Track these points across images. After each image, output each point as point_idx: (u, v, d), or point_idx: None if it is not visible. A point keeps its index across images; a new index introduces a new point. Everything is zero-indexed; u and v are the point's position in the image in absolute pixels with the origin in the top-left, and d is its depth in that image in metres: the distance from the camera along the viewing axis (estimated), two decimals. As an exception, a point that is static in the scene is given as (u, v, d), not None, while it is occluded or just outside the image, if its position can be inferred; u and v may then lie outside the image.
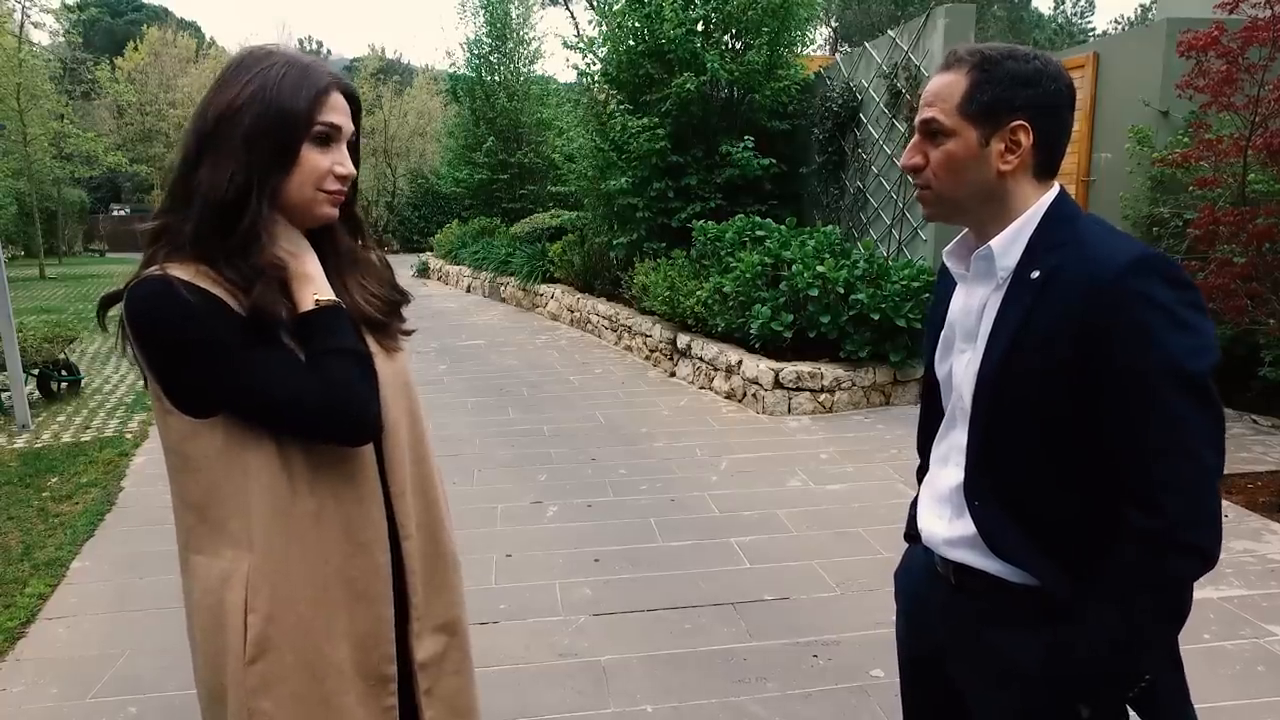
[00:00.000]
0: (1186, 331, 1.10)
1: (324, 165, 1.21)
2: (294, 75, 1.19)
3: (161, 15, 43.79)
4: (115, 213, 36.82)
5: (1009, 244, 1.23)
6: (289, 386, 1.16)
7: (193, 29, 42.98)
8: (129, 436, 5.74)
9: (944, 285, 1.41)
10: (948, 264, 1.35)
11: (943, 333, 1.36)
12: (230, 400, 1.16)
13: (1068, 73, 1.23)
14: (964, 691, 1.34)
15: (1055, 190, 1.24)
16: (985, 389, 1.23)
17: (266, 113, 1.16)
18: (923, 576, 1.40)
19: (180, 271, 1.14)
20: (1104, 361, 1.12)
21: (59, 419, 6.30)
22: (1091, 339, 1.12)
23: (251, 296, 1.15)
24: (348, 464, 1.24)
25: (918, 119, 1.25)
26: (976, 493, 1.26)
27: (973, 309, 1.28)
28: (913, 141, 1.26)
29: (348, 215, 1.32)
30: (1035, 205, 1.23)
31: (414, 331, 1.44)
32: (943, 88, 1.22)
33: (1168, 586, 1.13)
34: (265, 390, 1.15)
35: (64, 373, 7.08)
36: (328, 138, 1.21)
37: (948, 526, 1.31)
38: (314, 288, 1.22)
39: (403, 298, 1.41)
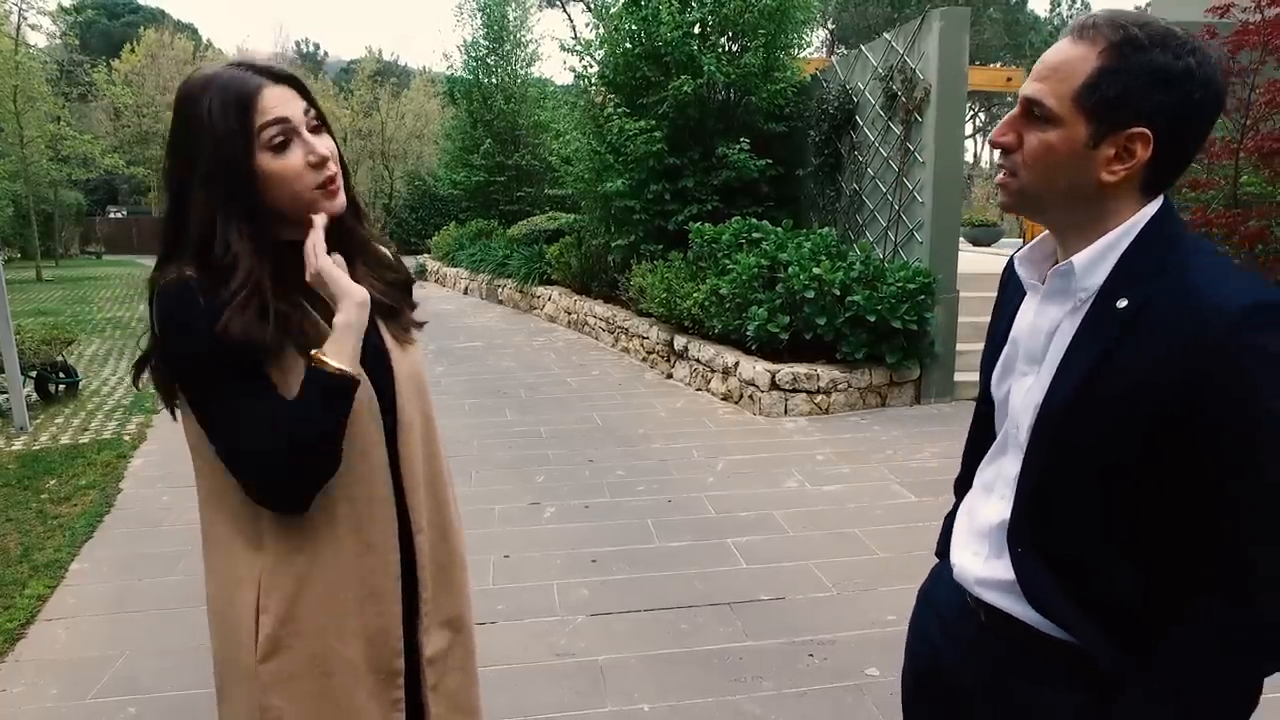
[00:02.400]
0: None
1: (296, 164, 1.17)
2: (219, 100, 1.14)
3: (158, 17, 43.76)
4: (112, 215, 36.80)
5: (1095, 262, 1.04)
6: (242, 432, 1.14)
7: (190, 31, 42.96)
8: (127, 439, 5.75)
9: (1009, 295, 1.24)
10: (1019, 271, 1.17)
11: (1005, 350, 1.19)
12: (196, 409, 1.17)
13: (1223, 74, 1.02)
14: None
15: (1158, 203, 1.04)
16: (1046, 425, 1.06)
17: (210, 150, 1.13)
18: (955, 604, 1.26)
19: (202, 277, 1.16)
20: (1202, 423, 0.95)
21: (57, 421, 6.31)
22: (1189, 395, 0.95)
23: (218, 322, 1.11)
24: (362, 463, 1.25)
25: (1022, 91, 1.05)
26: (1021, 538, 1.11)
27: (1041, 329, 1.11)
28: (1009, 115, 1.07)
29: (350, 197, 1.29)
30: (1131, 220, 1.03)
31: (425, 323, 1.44)
32: (1063, 63, 1.00)
33: (1241, 684, 0.99)
34: (220, 425, 1.16)
35: (62, 375, 7.08)
36: (284, 137, 1.16)
37: (983, 565, 1.17)
38: (339, 346, 1.17)
39: (408, 276, 1.41)
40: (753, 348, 6.49)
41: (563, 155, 10.90)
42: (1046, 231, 1.14)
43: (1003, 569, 1.14)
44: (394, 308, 1.36)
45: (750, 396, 6.29)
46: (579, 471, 4.93)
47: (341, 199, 1.23)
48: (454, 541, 1.44)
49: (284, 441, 1.12)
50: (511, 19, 16.80)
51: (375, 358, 1.30)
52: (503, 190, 16.60)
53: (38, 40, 29.61)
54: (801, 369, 6.15)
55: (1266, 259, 4.47)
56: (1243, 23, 4.11)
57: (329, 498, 1.23)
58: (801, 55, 9.40)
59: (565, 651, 2.95)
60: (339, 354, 1.16)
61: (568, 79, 11.84)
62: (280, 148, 1.16)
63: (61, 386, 7.07)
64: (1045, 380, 1.08)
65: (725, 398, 6.63)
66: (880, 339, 6.21)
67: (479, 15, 16.75)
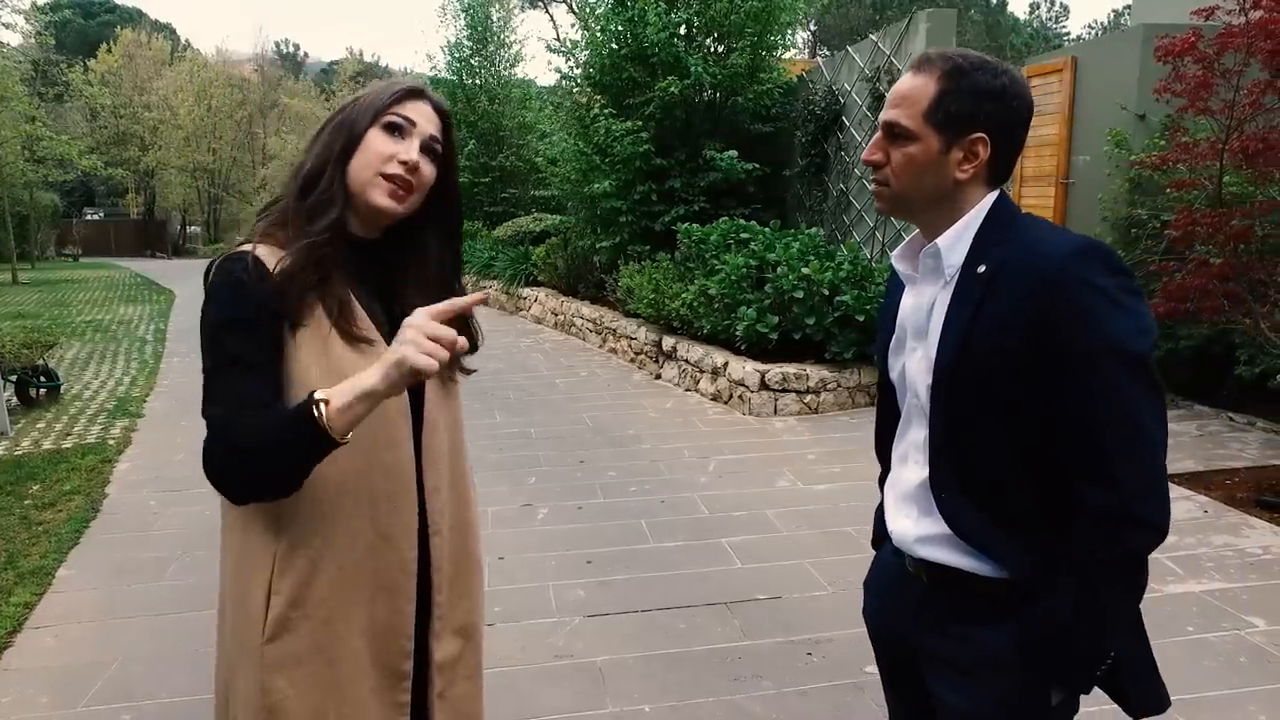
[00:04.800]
0: (1127, 313, 1.14)
1: (388, 149, 1.27)
2: (383, 86, 1.32)
3: (135, 17, 43.25)
4: (89, 217, 36.35)
5: (954, 242, 1.26)
6: (215, 405, 1.18)
7: (167, 31, 42.51)
8: (111, 443, 5.67)
9: (893, 289, 1.42)
10: (896, 266, 1.37)
11: (895, 334, 1.37)
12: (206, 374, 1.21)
13: (1030, 89, 1.26)
14: (933, 689, 1.35)
15: (996, 192, 1.28)
16: (941, 382, 1.24)
17: (352, 110, 1.30)
18: (894, 580, 1.41)
19: (264, 253, 1.23)
20: (1052, 345, 1.15)
21: (38, 426, 6.22)
22: (1039, 324, 1.16)
23: (280, 264, 1.20)
24: (386, 455, 1.27)
25: (882, 118, 1.27)
26: (941, 484, 1.27)
27: (922, 307, 1.30)
28: (875, 138, 1.28)
29: (448, 233, 1.40)
30: (979, 206, 1.26)
31: (474, 371, 1.48)
32: (910, 91, 1.24)
33: (1126, 560, 1.17)
34: (206, 388, 1.20)
35: (42, 379, 6.98)
36: (398, 128, 1.28)
37: (916, 525, 1.33)
38: (346, 402, 1.11)
39: (473, 340, 1.44)
40: (742, 348, 6.50)
41: (549, 156, 10.89)
42: (917, 231, 1.34)
43: (933, 523, 1.29)
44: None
45: (740, 396, 6.30)
46: (571, 473, 4.92)
47: (393, 203, 1.27)
48: (474, 547, 1.45)
49: (236, 457, 1.14)
50: (495, 20, 16.74)
51: None
52: (487, 191, 16.52)
53: (11, 39, 29.21)
54: (791, 369, 6.17)
55: (1249, 258, 4.53)
56: (1227, 25, 4.16)
57: (349, 486, 1.24)
58: (787, 57, 9.45)
59: (564, 653, 2.94)
60: (341, 410, 1.10)
61: (551, 80, 11.81)
62: (391, 133, 1.28)
63: (42, 390, 6.97)
64: (932, 347, 1.26)
65: (715, 398, 6.63)
66: (869, 338, 6.23)
67: (462, 16, 16.68)
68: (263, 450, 1.13)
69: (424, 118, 1.30)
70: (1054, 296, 1.15)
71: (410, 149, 1.28)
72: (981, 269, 1.22)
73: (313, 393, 1.10)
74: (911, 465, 1.33)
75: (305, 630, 1.24)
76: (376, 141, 1.26)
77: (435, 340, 1.08)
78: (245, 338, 1.17)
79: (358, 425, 1.12)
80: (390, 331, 1.28)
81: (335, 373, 1.18)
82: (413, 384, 1.14)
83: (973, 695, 1.28)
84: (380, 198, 1.26)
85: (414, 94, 1.30)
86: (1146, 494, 1.14)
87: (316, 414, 1.09)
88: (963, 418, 1.24)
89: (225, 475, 1.16)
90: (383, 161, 1.26)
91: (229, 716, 1.30)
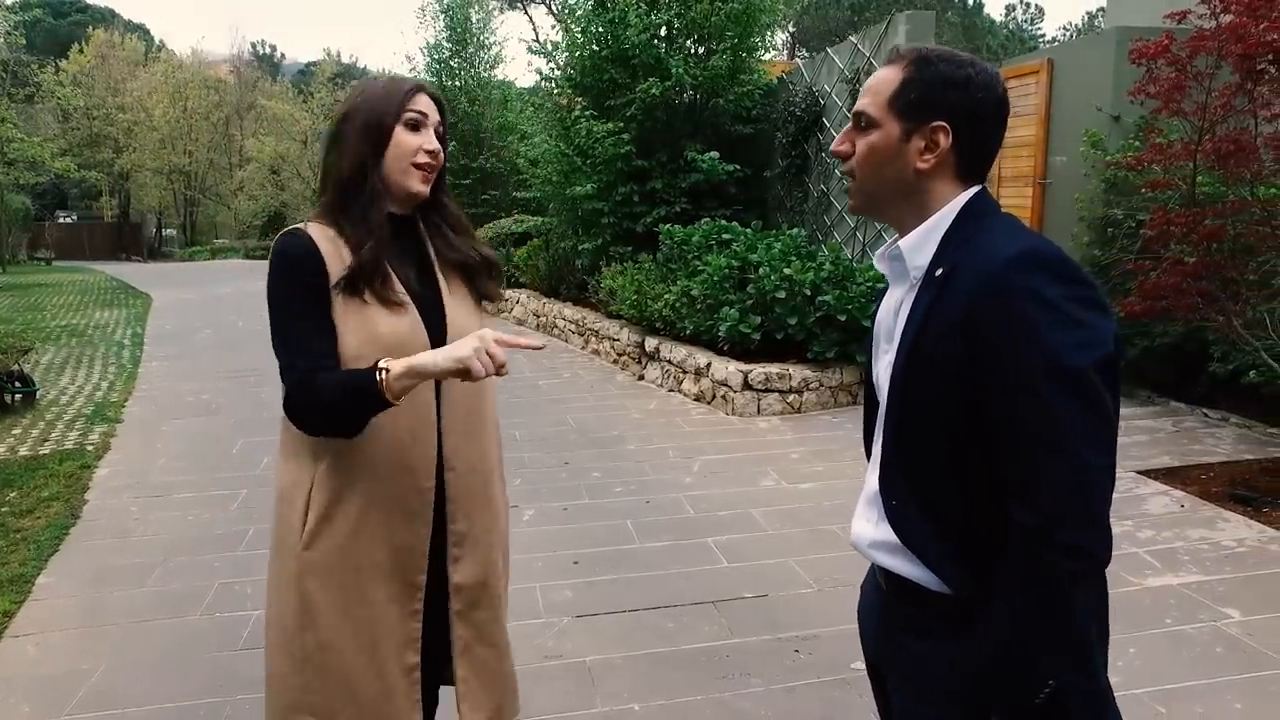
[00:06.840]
0: (1070, 326, 1.07)
1: (414, 143, 1.52)
2: (387, 84, 1.57)
3: (108, 16, 42.67)
4: (61, 220, 35.84)
5: (920, 243, 1.22)
6: (291, 358, 1.46)
7: (141, 31, 41.99)
8: (90, 448, 5.60)
9: (885, 289, 1.42)
10: (878, 267, 1.34)
11: (874, 336, 1.37)
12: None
13: (1003, 86, 1.23)
14: (890, 694, 1.35)
15: (974, 190, 1.23)
16: (895, 387, 1.23)
17: (370, 111, 1.52)
18: (872, 584, 1.42)
19: (315, 230, 1.50)
20: (988, 355, 1.11)
21: (14, 432, 6.13)
22: (977, 332, 1.11)
23: (359, 254, 1.47)
24: (410, 400, 1.47)
25: (854, 109, 1.28)
26: (891, 491, 1.25)
27: (891, 309, 1.28)
28: (845, 129, 1.28)
29: (446, 189, 1.66)
30: (949, 206, 1.22)
31: (502, 300, 1.64)
32: (878, 81, 1.24)
33: (1048, 585, 1.09)
34: (278, 342, 1.48)
35: (18, 384, 6.88)
36: (417, 123, 1.52)
37: (874, 529, 1.30)
38: (405, 373, 1.39)
39: (494, 259, 1.71)
40: (724, 348, 6.53)
41: (530, 158, 10.87)
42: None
43: (888, 529, 1.27)
44: (474, 269, 1.65)
45: (723, 397, 6.32)
46: (555, 474, 4.93)
47: (425, 188, 1.55)
48: (492, 490, 1.66)
49: (317, 410, 1.44)
50: (474, 21, 16.68)
51: (432, 311, 1.55)
52: (468, 194, 16.43)
53: (-19, 40, 28.67)
54: (774, 369, 6.20)
55: (1222, 257, 4.62)
56: (1198, 29, 4.24)
57: (380, 425, 1.47)
58: (768, 59, 9.50)
59: (553, 653, 2.95)
60: (400, 377, 1.38)
61: (531, 81, 11.82)
62: (413, 129, 1.53)
63: (18, 396, 6.87)
64: (894, 351, 1.25)
65: (698, 398, 6.66)
66: (851, 338, 6.29)
67: (441, 17, 16.60)
68: (335, 405, 1.43)
69: (429, 108, 1.54)
70: (992, 304, 1.10)
71: (430, 140, 1.53)
72: (938, 271, 1.19)
73: (377, 361, 1.39)
74: (876, 468, 1.32)
75: (335, 542, 1.49)
76: (403, 138, 1.51)
77: (491, 357, 1.36)
78: (304, 297, 1.46)
79: (409, 393, 1.41)
80: (419, 292, 1.55)
81: (369, 328, 1.47)
82: (457, 377, 1.41)
83: (917, 709, 1.27)
84: (416, 184, 1.53)
85: (419, 89, 1.54)
86: (1072, 518, 1.07)
87: (379, 379, 1.37)
88: (909, 424, 1.22)
89: (305, 422, 1.46)
90: (412, 154, 1.52)
91: (270, 613, 1.57)
